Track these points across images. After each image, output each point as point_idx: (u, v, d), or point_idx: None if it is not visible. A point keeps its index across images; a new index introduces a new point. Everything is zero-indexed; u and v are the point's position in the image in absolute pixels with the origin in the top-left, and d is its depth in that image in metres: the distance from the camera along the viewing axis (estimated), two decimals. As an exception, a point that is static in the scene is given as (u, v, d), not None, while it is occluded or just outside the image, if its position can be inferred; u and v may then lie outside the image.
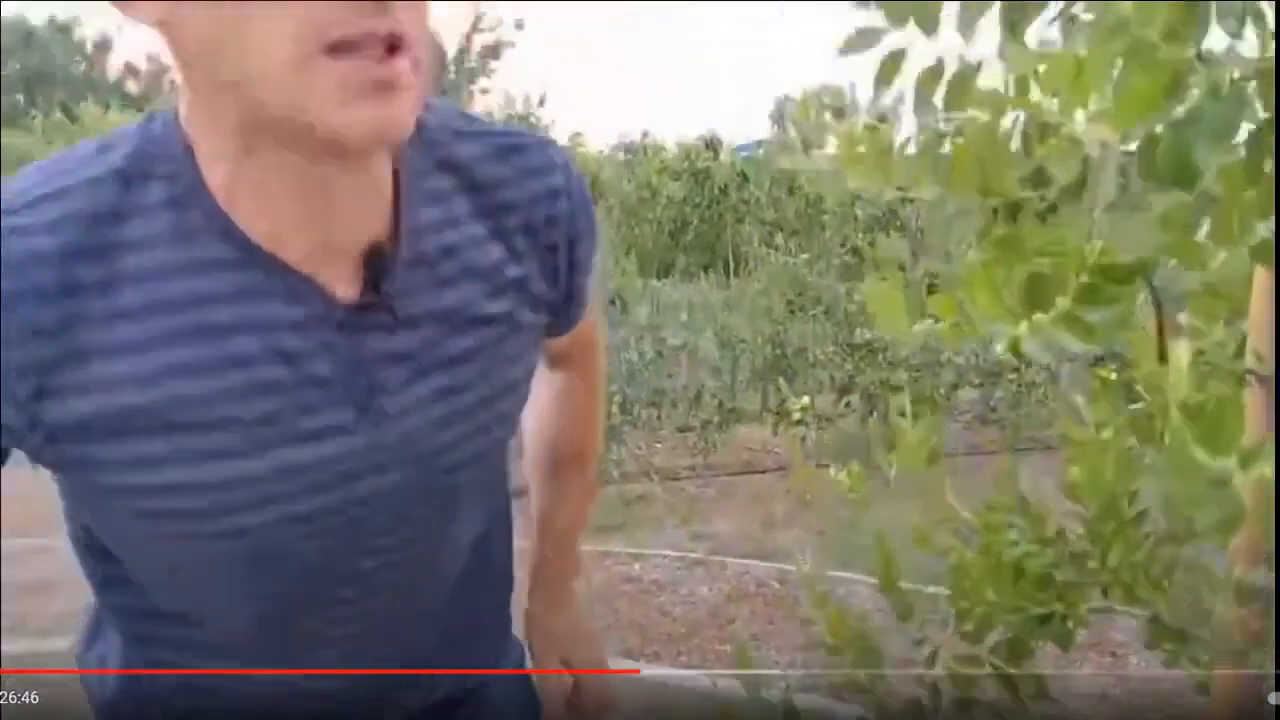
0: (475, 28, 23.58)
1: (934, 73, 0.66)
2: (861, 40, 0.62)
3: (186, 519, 0.60)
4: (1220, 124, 0.59)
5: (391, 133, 0.52)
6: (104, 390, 0.55)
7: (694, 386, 4.29)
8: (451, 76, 22.84)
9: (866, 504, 1.12)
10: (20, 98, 27.24)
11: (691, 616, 2.83)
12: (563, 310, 0.75)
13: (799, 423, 4.05)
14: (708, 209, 5.65)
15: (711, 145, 5.71)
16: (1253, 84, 0.61)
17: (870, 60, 0.65)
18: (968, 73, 0.68)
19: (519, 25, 24.10)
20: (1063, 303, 0.63)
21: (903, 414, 1.05)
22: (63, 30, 28.00)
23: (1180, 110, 0.57)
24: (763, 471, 4.13)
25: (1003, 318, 0.61)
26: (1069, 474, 0.88)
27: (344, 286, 0.59)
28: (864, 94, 0.67)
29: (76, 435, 0.56)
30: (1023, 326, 0.61)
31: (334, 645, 0.71)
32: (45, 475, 0.63)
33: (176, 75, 0.56)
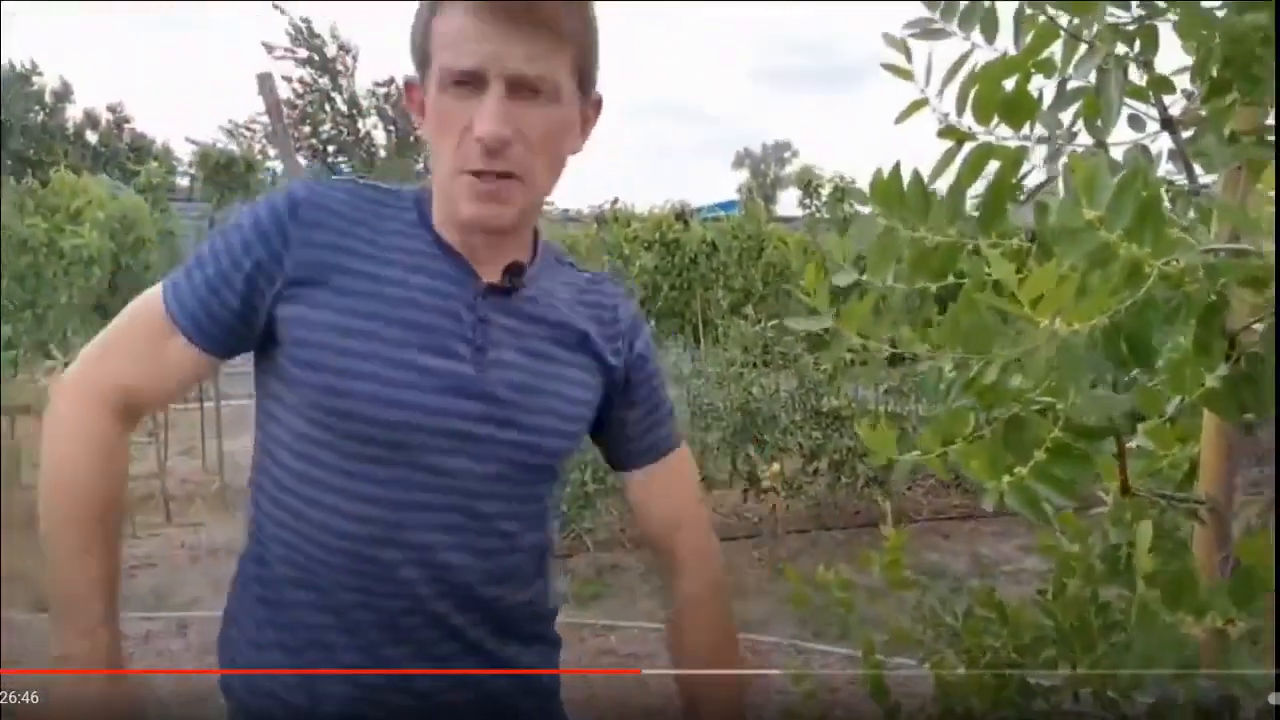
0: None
1: (924, 252, 0.75)
2: (864, 228, 0.71)
3: (346, 377, 0.86)
4: (1173, 309, 0.69)
5: (492, 223, 0.88)
6: (339, 253, 0.89)
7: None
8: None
9: (851, 606, 1.19)
10: (-25, 146, 26.83)
11: (669, 689, 2.85)
12: (629, 405, 1.01)
13: (769, 490, 4.12)
14: (678, 277, 5.80)
15: (682, 216, 5.88)
16: (1200, 269, 0.70)
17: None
18: (954, 249, 0.77)
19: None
20: (1039, 456, 0.72)
21: (884, 521, 1.13)
22: (21, 78, 27.70)
23: (1137, 297, 0.66)
24: (733, 539, 4.18)
25: (989, 475, 0.69)
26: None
27: (489, 276, 0.92)
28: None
29: (311, 279, 0.88)
30: (1005, 480, 0.70)
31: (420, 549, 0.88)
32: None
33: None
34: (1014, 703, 0.96)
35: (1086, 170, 0.64)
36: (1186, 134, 0.80)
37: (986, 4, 0.82)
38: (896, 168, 0.71)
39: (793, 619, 3.26)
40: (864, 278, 0.80)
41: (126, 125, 27.86)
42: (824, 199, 6.47)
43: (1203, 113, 0.79)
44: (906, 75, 0.78)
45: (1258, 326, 0.78)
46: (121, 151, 26.56)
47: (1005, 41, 0.82)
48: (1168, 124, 0.79)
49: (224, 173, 4.89)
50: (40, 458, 0.91)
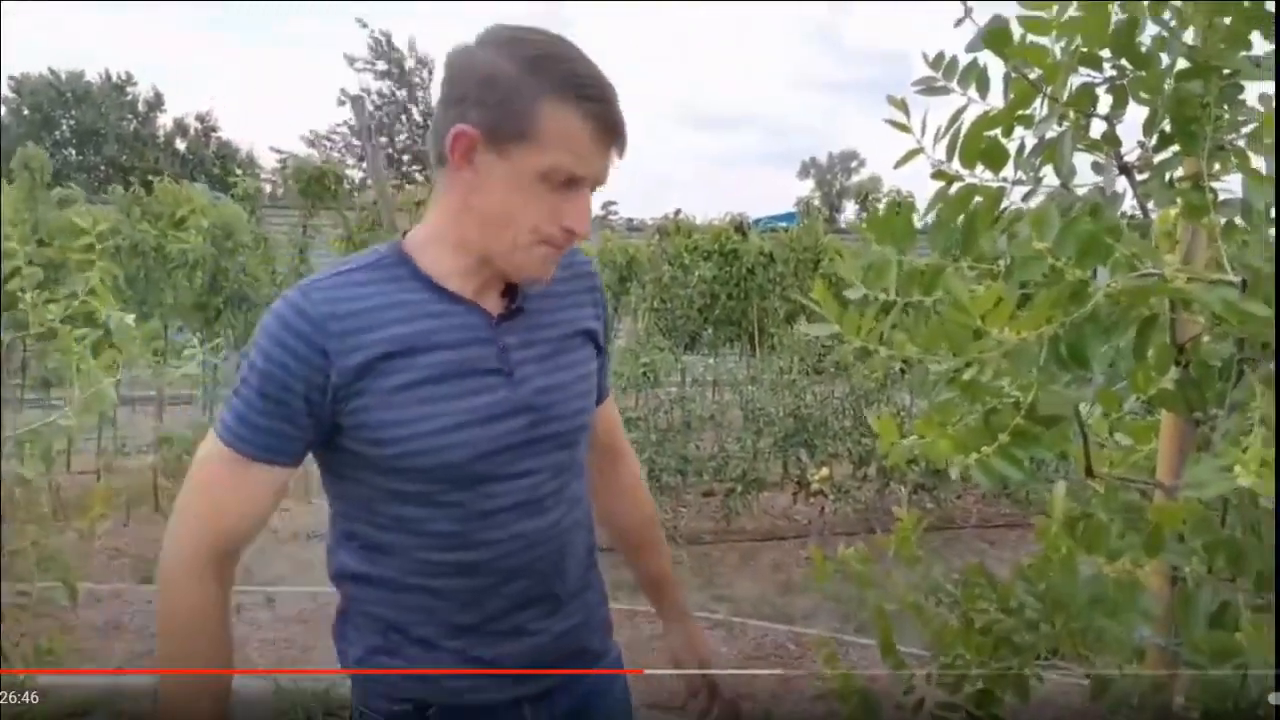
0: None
1: (910, 273, 0.92)
2: (865, 254, 0.89)
3: (415, 440, 1.02)
4: (1112, 323, 0.85)
5: (544, 278, 1.07)
6: (372, 347, 1.00)
7: (719, 455, 4.50)
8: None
9: (868, 580, 1.36)
10: (71, 152, 28.22)
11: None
12: (601, 365, 1.25)
13: (818, 493, 4.26)
14: (735, 286, 5.98)
15: (740, 228, 6.07)
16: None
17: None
18: (939, 268, 0.95)
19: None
20: (1003, 439, 0.88)
21: (899, 505, 1.30)
22: (116, 88, 29.05)
23: (1081, 312, 0.82)
24: (782, 539, 4.33)
25: (956, 452, 0.86)
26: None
27: (494, 307, 1.09)
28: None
29: (357, 379, 1.00)
30: (972, 458, 0.87)
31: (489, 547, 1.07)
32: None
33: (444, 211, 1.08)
34: (997, 655, 1.12)
35: (1038, 213, 0.82)
36: (1142, 177, 0.96)
37: (980, 65, 0.99)
38: (891, 205, 0.89)
39: (835, 614, 3.40)
40: (866, 293, 0.98)
41: (214, 134, 29.03)
42: (881, 212, 6.54)
43: (1155, 160, 0.95)
44: (905, 129, 0.96)
45: (1205, 339, 0.94)
46: (208, 159, 27.69)
47: (997, 98, 0.99)
48: (1124, 169, 0.96)
49: (316, 185, 5.37)
50: (158, 606, 1.03)
